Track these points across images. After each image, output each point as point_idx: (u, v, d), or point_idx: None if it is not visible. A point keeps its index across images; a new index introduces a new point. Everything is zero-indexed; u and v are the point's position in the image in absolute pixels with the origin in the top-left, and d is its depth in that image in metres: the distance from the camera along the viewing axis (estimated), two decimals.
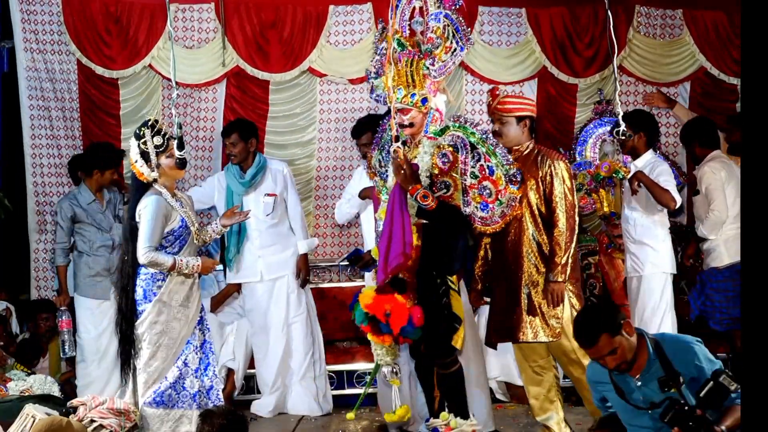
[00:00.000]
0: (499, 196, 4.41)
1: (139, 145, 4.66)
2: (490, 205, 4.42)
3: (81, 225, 6.01)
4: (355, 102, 6.92)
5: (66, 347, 5.99)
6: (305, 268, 6.11)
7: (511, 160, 4.46)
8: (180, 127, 4.78)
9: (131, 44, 6.83)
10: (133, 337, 4.68)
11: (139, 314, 4.69)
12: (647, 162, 5.77)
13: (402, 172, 4.38)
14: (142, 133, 4.68)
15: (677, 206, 5.68)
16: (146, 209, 4.62)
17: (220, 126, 6.86)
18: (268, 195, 6.00)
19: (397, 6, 4.57)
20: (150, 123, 4.71)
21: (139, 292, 4.70)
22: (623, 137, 5.44)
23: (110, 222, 6.05)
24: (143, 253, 4.59)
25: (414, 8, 4.54)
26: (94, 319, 6.00)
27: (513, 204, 4.45)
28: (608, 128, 6.12)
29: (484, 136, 4.46)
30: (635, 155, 5.85)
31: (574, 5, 6.93)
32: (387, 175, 4.66)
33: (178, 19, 6.80)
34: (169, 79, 6.30)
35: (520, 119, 4.82)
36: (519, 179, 4.41)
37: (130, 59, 6.84)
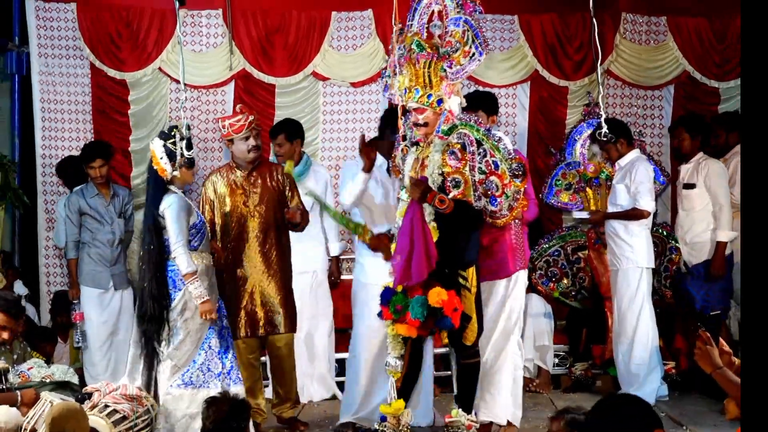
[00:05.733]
0: (506, 190, 4.51)
1: (165, 144, 4.85)
2: (498, 199, 4.51)
3: (85, 218, 6.33)
4: (357, 104, 7.12)
5: (78, 338, 6.29)
6: (337, 270, 6.44)
7: (513, 154, 4.59)
8: (188, 128, 4.95)
9: (141, 48, 7.03)
10: (164, 322, 4.84)
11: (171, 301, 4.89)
12: (630, 161, 6.05)
13: (411, 185, 4.49)
14: (172, 133, 4.88)
15: (651, 214, 5.96)
16: (170, 208, 4.82)
17: None
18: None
19: (415, 9, 4.68)
20: (179, 127, 4.91)
21: (168, 282, 4.90)
22: (605, 138, 5.73)
23: (112, 216, 6.34)
24: (176, 249, 4.80)
25: (433, 12, 4.62)
26: (97, 309, 6.31)
27: (518, 197, 4.56)
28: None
29: (487, 132, 4.57)
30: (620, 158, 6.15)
31: (564, 12, 7.11)
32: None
33: (187, 24, 6.98)
34: (178, 81, 6.49)
35: None
36: (521, 173, 4.51)
37: (141, 62, 7.04)
